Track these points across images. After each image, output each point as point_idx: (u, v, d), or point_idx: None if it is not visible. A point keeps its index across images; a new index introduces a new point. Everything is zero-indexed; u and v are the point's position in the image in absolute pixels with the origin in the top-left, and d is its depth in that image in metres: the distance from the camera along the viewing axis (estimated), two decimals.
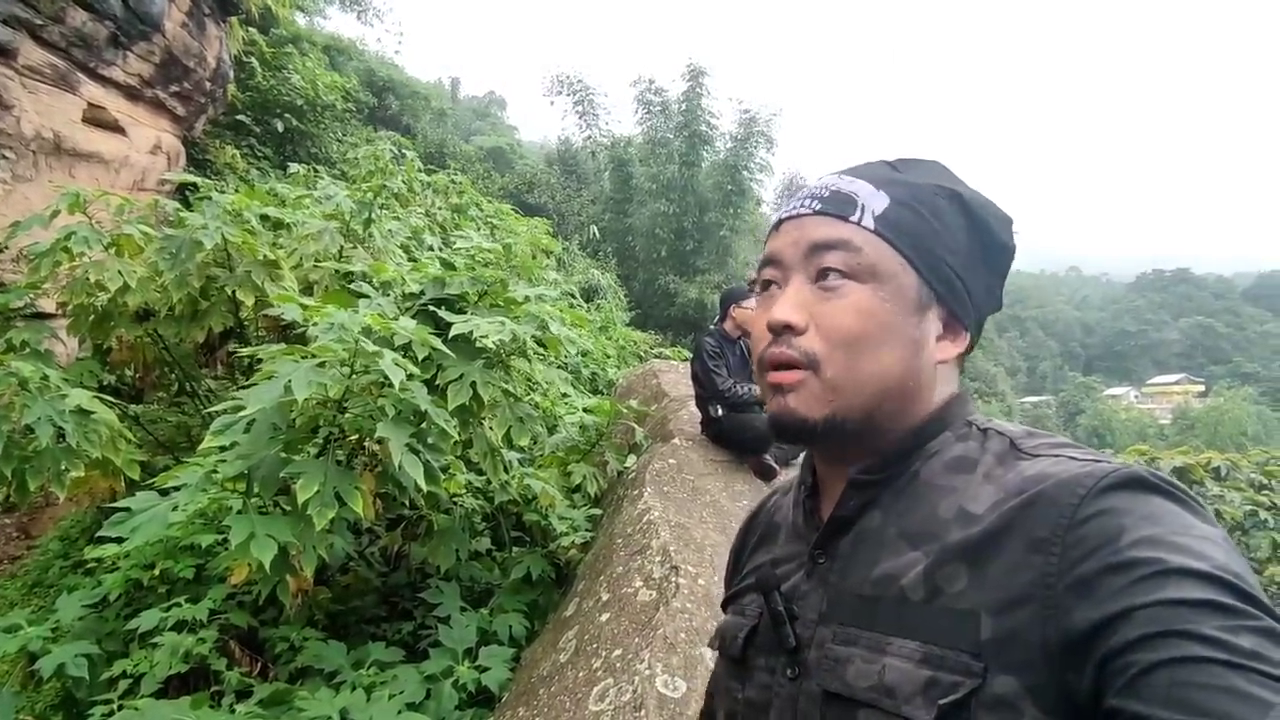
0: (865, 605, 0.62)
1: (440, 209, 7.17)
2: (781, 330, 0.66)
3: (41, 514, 5.26)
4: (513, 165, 20.62)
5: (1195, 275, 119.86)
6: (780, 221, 0.72)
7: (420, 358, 2.98)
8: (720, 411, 4.20)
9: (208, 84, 8.41)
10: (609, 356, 8.78)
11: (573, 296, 7.34)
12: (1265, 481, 7.32)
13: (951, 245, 0.68)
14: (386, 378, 2.57)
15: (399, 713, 2.58)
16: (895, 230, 0.66)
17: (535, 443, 4.00)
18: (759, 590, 0.71)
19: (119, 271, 3.78)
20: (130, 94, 7.20)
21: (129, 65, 6.99)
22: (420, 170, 7.16)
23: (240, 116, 10.16)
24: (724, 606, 0.85)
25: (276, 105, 10.48)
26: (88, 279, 3.76)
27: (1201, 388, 73.52)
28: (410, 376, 2.73)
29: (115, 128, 6.99)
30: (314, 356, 2.62)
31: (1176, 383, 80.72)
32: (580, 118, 20.54)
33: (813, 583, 0.68)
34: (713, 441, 4.32)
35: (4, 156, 5.78)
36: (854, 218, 0.67)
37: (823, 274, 0.66)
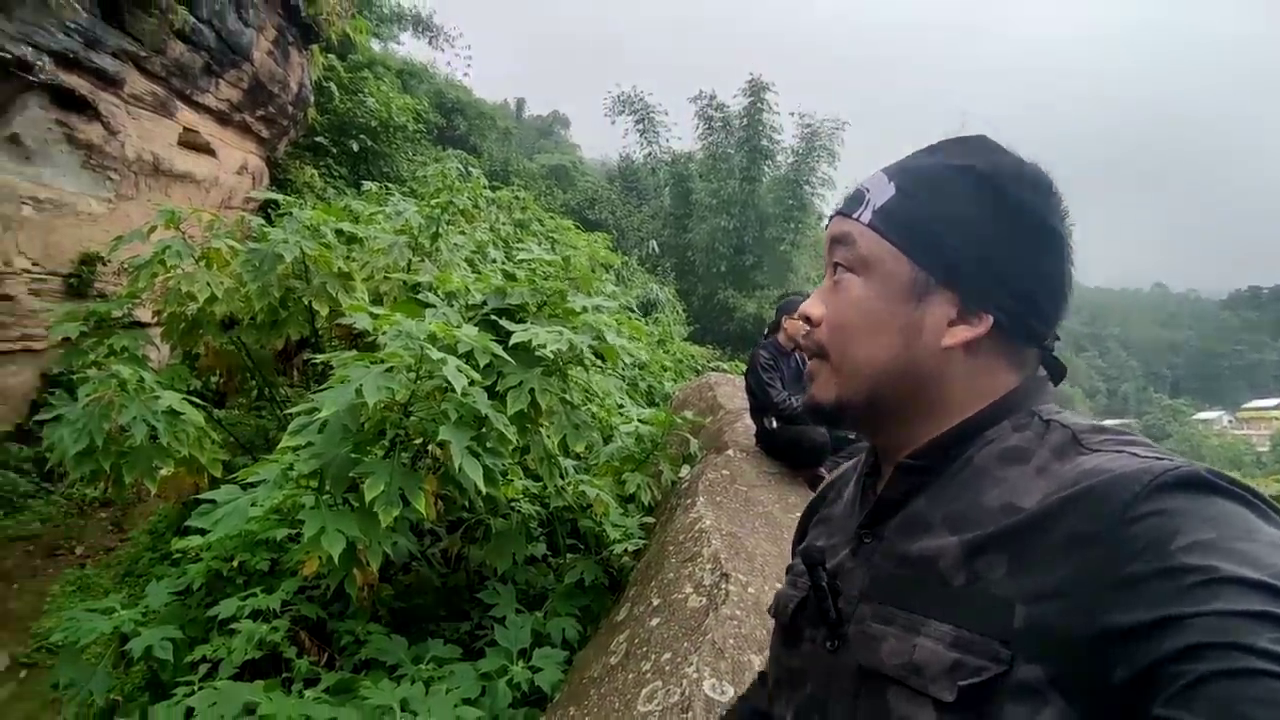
0: (904, 586, 0.63)
1: (504, 224, 7.40)
2: (806, 323, 0.73)
3: (133, 509, 5.63)
4: (574, 182, 21.01)
5: None
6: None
7: (481, 365, 3.10)
8: (774, 424, 4.19)
9: (290, 108, 8.93)
10: (666, 369, 8.83)
11: (630, 310, 7.42)
12: None
13: (960, 226, 0.66)
14: (449, 383, 2.69)
15: (455, 707, 2.66)
16: (889, 221, 0.68)
17: (590, 451, 4.07)
18: (806, 564, 0.73)
19: (207, 283, 4.06)
20: (221, 118, 7.71)
21: (220, 92, 7.50)
22: (485, 187, 7.42)
23: (319, 138, 10.73)
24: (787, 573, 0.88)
25: (352, 127, 11.01)
26: (180, 290, 4.05)
27: None
28: (471, 383, 2.85)
29: (207, 150, 7.49)
30: (383, 362, 2.77)
31: (1276, 407, 75.30)
32: (641, 135, 20.83)
33: (858, 560, 0.70)
34: (767, 453, 4.31)
35: (109, 178, 6.28)
36: (856, 214, 0.70)
37: (834, 269, 0.72)
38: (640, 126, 20.70)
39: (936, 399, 0.67)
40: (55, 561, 5.04)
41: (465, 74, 24.97)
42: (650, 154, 21.01)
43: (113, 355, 4.05)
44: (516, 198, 8.20)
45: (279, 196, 5.17)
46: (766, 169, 19.53)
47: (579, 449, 3.40)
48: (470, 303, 3.66)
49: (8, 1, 4.91)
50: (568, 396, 3.49)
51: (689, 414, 4.62)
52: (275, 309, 4.20)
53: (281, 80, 8.56)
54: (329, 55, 10.69)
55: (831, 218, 0.74)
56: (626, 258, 13.72)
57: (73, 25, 5.46)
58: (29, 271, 5.64)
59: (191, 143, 7.25)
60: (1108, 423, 0.66)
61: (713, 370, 9.02)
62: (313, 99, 9.67)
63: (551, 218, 10.69)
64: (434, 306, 3.37)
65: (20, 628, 4.44)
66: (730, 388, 6.25)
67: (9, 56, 4.94)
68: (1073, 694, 0.50)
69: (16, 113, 5.23)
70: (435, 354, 2.70)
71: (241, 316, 4.27)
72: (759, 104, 19.37)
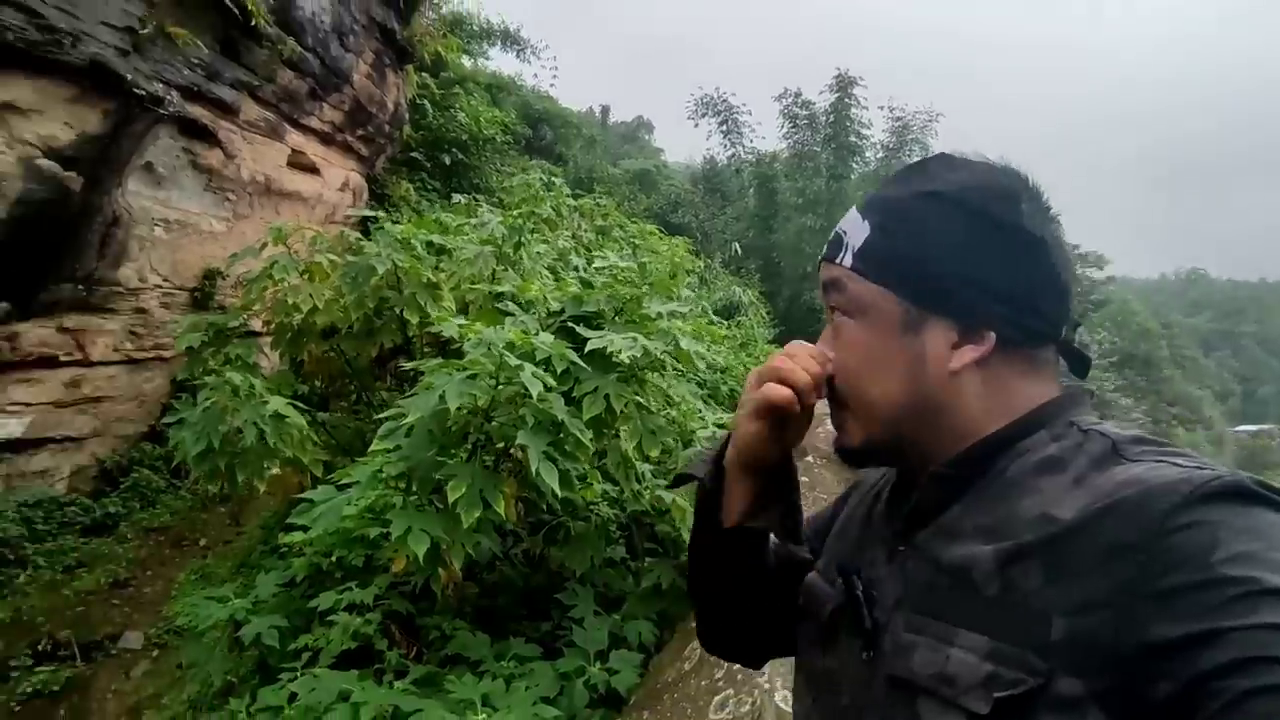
0: (937, 595, 0.63)
1: (585, 231, 7.54)
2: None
3: (249, 505, 6.08)
4: (658, 186, 21.11)
5: None
6: None
7: (559, 371, 3.19)
8: None
9: (387, 126, 9.43)
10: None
11: (711, 314, 7.40)
12: None
13: (939, 252, 0.67)
14: (526, 389, 2.77)
15: (533, 705, 2.74)
16: (868, 261, 0.69)
17: (669, 455, 4.09)
18: (841, 573, 0.73)
19: (310, 295, 4.35)
20: (324, 139, 8.23)
21: (324, 114, 8.01)
22: (568, 195, 7.59)
23: (414, 154, 11.26)
24: (811, 544, 0.86)
25: (444, 141, 11.49)
26: (286, 301, 4.36)
27: None
28: (548, 388, 2.93)
29: (312, 169, 8.01)
30: (465, 370, 2.89)
31: None
32: (724, 136, 20.65)
33: (891, 569, 0.69)
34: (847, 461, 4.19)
35: (228, 199, 6.83)
36: (838, 258, 0.72)
37: (831, 313, 0.74)
38: (724, 128, 20.55)
39: (958, 420, 0.67)
40: (182, 551, 5.53)
41: (552, 84, 25.62)
42: (734, 155, 20.81)
43: (228, 363, 4.40)
44: (598, 204, 8.34)
45: (374, 213, 5.47)
46: (855, 166, 19.00)
47: (654, 453, 3.42)
48: (550, 310, 3.76)
49: (142, 43, 5.43)
50: (643, 401, 3.53)
51: None
52: (370, 318, 4.45)
53: (379, 101, 9.06)
54: (423, 74, 11.20)
55: (819, 264, 0.75)
56: (709, 261, 13.67)
57: (196, 61, 5.97)
58: (160, 287, 6.21)
59: (299, 163, 7.77)
60: (1143, 433, 0.64)
61: None
62: (408, 117, 10.18)
63: (634, 222, 10.78)
64: (513, 315, 3.47)
65: (152, 611, 4.90)
66: None
67: (144, 93, 5.46)
68: (1113, 708, 0.49)
69: (150, 143, 5.78)
70: (513, 361, 2.79)
71: (340, 326, 4.54)
72: (846, 99, 18.85)
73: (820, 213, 18.09)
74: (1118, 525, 0.52)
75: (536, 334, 3.18)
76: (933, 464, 0.69)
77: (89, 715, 4.23)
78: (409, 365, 3.36)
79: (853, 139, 18.95)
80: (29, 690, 4.25)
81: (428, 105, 11.39)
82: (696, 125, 20.65)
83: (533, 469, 2.80)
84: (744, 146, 20.69)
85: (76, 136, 5.11)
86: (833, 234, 0.74)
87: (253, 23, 6.26)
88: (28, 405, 5.31)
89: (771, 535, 0.85)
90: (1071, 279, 0.69)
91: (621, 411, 3.28)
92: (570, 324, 3.55)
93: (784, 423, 0.74)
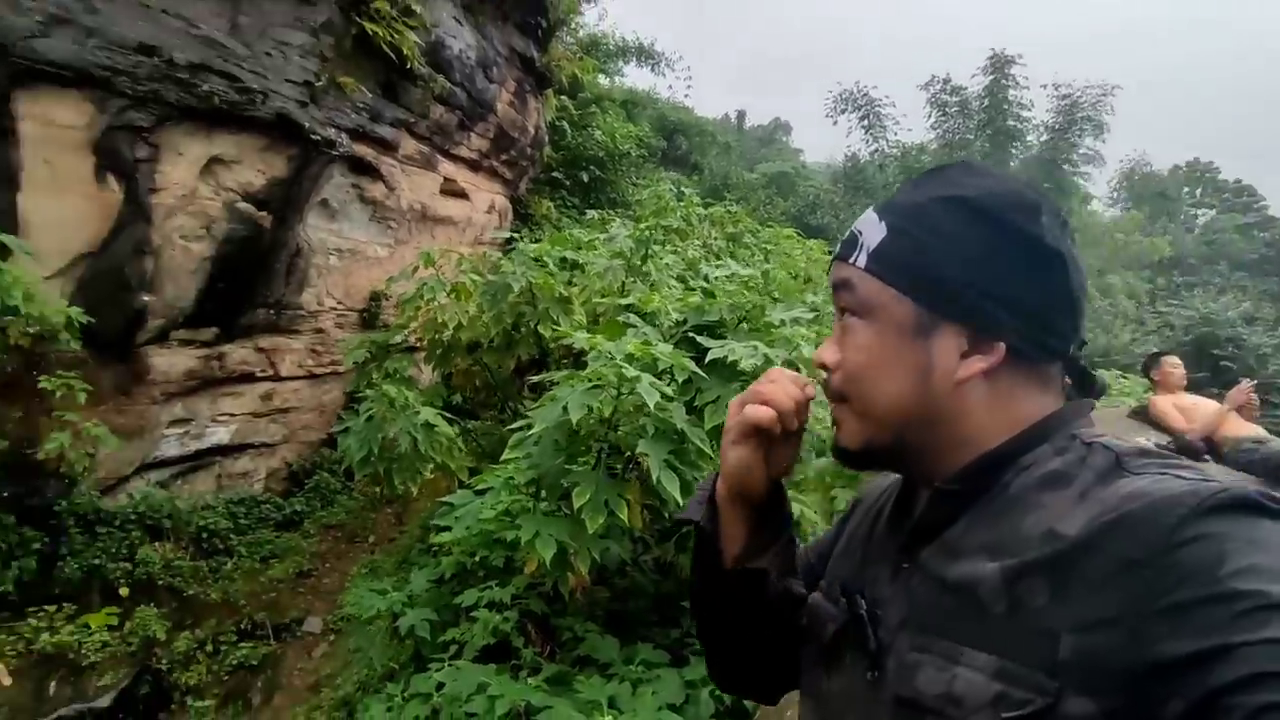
0: (942, 613, 0.61)
1: (716, 239, 7.55)
2: (822, 369, 0.73)
3: (411, 506, 6.65)
4: (796, 188, 20.68)
5: None
6: None
7: (680, 381, 3.22)
8: None
9: (528, 149, 9.98)
10: None
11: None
12: None
13: (955, 258, 0.65)
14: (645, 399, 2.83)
15: (658, 710, 2.78)
16: (883, 262, 0.68)
17: (800, 465, 4.00)
18: (844, 593, 0.72)
19: (455, 313, 4.71)
20: (472, 166, 8.85)
21: (471, 143, 8.62)
22: (699, 205, 7.64)
23: (554, 173, 11.83)
24: (815, 568, 0.85)
25: (582, 159, 11.97)
26: (435, 319, 4.75)
27: None
28: (668, 398, 2.97)
29: (462, 195, 8.65)
30: (587, 381, 3.00)
31: None
32: (866, 131, 19.88)
33: (895, 588, 0.68)
34: None
35: (390, 226, 7.54)
36: (852, 258, 0.70)
37: (841, 314, 0.72)
38: (865, 122, 19.78)
39: (962, 430, 0.66)
40: (354, 547, 6.16)
41: (686, 95, 25.84)
42: (877, 150, 19.97)
43: (388, 377, 4.85)
44: (729, 212, 8.32)
45: (513, 233, 5.80)
46: (1014, 151, 17.59)
47: None
48: (673, 320, 3.81)
49: (318, 94, 6.14)
50: None
51: None
52: (508, 333, 4.73)
53: (521, 126, 9.61)
54: (561, 97, 11.75)
55: (831, 263, 0.75)
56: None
57: (361, 105, 6.66)
58: (334, 309, 6.98)
59: (450, 190, 8.42)
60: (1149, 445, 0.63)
61: None
62: (547, 139, 10.71)
63: (769, 227, 10.63)
64: (635, 326, 3.55)
65: (330, 599, 5.49)
66: None
67: (320, 138, 6.17)
68: None
69: (325, 181, 6.51)
70: (630, 371, 2.86)
71: (483, 340, 4.87)
72: (1003, 80, 17.52)
73: None
74: (1124, 541, 0.51)
75: (657, 345, 3.23)
76: (933, 476, 0.68)
77: (279, 688, 4.82)
78: (536, 377, 3.53)
79: (1011, 123, 17.58)
80: (234, 663, 4.92)
81: (566, 126, 11.92)
82: (835, 123, 20.12)
83: (654, 476, 2.85)
84: (887, 140, 19.80)
85: (267, 181, 5.86)
86: (848, 234, 0.73)
87: (408, 65, 6.89)
88: (232, 415, 6.16)
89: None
90: (1084, 296, 0.67)
91: None
92: (693, 334, 3.57)
93: (770, 447, 0.74)
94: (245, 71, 5.40)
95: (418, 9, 6.95)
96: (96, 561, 4.75)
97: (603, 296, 4.90)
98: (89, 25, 4.69)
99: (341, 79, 6.35)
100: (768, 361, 3.23)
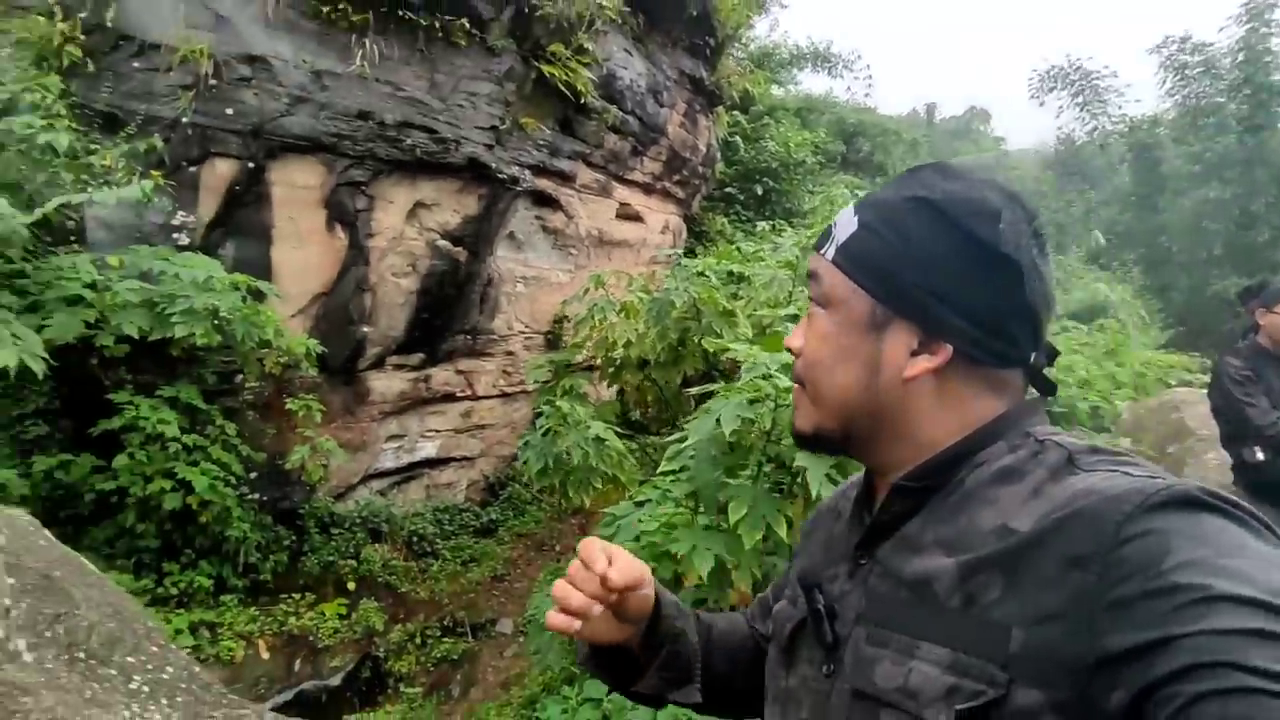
0: (899, 608, 0.63)
1: None
2: (790, 353, 0.77)
3: (593, 518, 6.94)
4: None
5: None
6: None
7: None
8: (1259, 455, 3.10)
9: (700, 168, 10.11)
10: (1120, 386, 7.26)
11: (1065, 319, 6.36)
12: None
13: (913, 258, 0.67)
14: None
15: None
16: (848, 257, 0.70)
17: None
18: (803, 587, 0.74)
19: (625, 331, 4.86)
20: (645, 189, 9.15)
21: (644, 167, 8.91)
22: None
23: (728, 189, 11.87)
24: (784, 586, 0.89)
25: (756, 172, 11.90)
26: (606, 338, 4.94)
27: None
28: None
29: (636, 218, 8.96)
30: (741, 393, 2.94)
31: None
32: (1081, 109, 17.67)
33: (854, 583, 0.70)
34: (1251, 494, 3.20)
35: (570, 253, 8.00)
36: (824, 250, 0.73)
37: (811, 302, 0.76)
38: (1079, 99, 17.60)
39: (907, 426, 0.68)
40: (542, 554, 6.55)
41: (867, 95, 24.76)
42: (1095, 129, 17.65)
43: (565, 394, 5.12)
44: None
45: (676, 251, 5.89)
46: (1279, 111, 14.63)
47: None
48: None
49: (502, 136, 6.72)
50: None
51: (1125, 442, 3.73)
52: (674, 348, 4.79)
53: (692, 145, 9.77)
54: (733, 112, 11.79)
55: (808, 254, 0.78)
56: (1062, 258, 11.76)
57: (541, 142, 7.18)
58: (522, 332, 7.53)
59: (625, 214, 8.77)
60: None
61: (1183, 385, 7.08)
62: (719, 156, 10.78)
63: None
64: None
65: (520, 602, 5.88)
66: (1204, 407, 4.83)
67: (506, 177, 6.74)
68: (1071, 718, 0.50)
69: (511, 215, 7.09)
70: (784, 382, 2.76)
71: (651, 357, 4.98)
72: (1261, 29, 14.70)
73: (1230, 178, 14.31)
74: (1074, 536, 0.53)
75: None
76: (882, 468, 0.71)
77: (475, 683, 5.23)
78: (693, 390, 3.53)
79: (1275, 78, 14.65)
80: (438, 656, 5.43)
81: (739, 140, 11.93)
82: (1042, 103, 18.06)
83: (813, 491, 2.72)
84: (1109, 116, 17.43)
85: (462, 219, 6.50)
86: (826, 226, 0.76)
87: (582, 100, 7.31)
88: (437, 431, 6.85)
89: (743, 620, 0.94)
90: (1044, 305, 0.68)
91: None
92: None
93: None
94: (440, 123, 6.05)
95: (590, 46, 7.36)
96: (330, 558, 5.51)
97: (770, 308, 4.80)
98: (321, 101, 5.54)
99: (523, 120, 6.89)
100: None
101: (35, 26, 4.96)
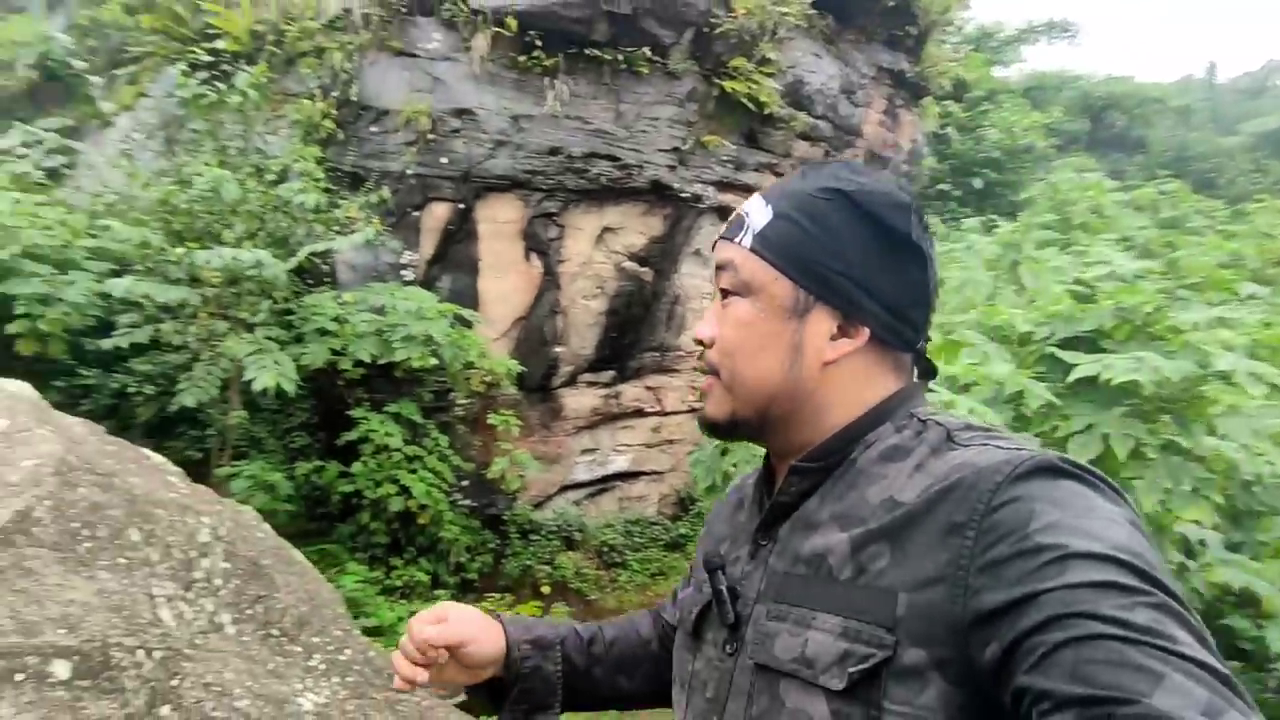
0: (797, 583, 0.65)
1: (1143, 228, 6.00)
2: (699, 344, 0.76)
3: None
4: None
5: None
6: None
7: (1034, 407, 2.66)
8: None
9: (903, 166, 9.43)
10: None
11: None
12: None
13: (833, 246, 0.69)
14: None
15: None
16: (766, 244, 0.71)
17: (1246, 521, 2.88)
18: (707, 570, 0.75)
19: None
20: None
21: None
22: (1108, 191, 6.18)
23: (941, 185, 10.92)
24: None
25: (973, 165, 10.83)
26: None
27: None
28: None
29: None
30: None
31: None
32: None
33: (755, 564, 0.71)
34: None
35: None
36: (737, 239, 0.73)
37: (722, 294, 0.75)
38: None
39: (823, 407, 0.71)
40: None
41: (1122, 62, 21.40)
42: None
43: None
44: (1162, 193, 6.54)
45: None
46: None
47: (1194, 516, 2.49)
48: (1028, 332, 3.16)
49: (685, 157, 6.85)
50: (1184, 442, 2.63)
51: None
52: None
53: (893, 144, 9.17)
54: (943, 103, 10.85)
55: (715, 243, 0.79)
56: None
57: (725, 158, 7.19)
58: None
59: None
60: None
61: None
62: (927, 150, 9.97)
63: (1259, 200, 8.05)
64: (972, 345, 3.04)
65: None
66: None
67: (688, 195, 6.85)
68: (951, 675, 0.53)
69: (696, 232, 7.18)
70: (945, 396, 2.46)
71: None
72: None
73: None
74: (951, 505, 0.56)
75: (994, 365, 2.72)
76: (791, 451, 0.72)
77: None
78: None
79: None
80: None
81: (951, 132, 10.96)
82: None
83: None
84: None
85: (647, 240, 6.72)
86: (733, 215, 0.77)
87: (767, 111, 7.20)
88: (628, 446, 7.10)
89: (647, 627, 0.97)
90: (936, 295, 0.73)
91: (1125, 456, 2.51)
92: (1052, 349, 2.92)
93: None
94: (624, 150, 6.33)
95: (774, 55, 7.25)
96: (528, 563, 5.93)
97: (964, 312, 4.32)
98: (518, 142, 6.08)
99: (705, 138, 6.96)
100: (1162, 378, 2.45)
101: (304, 109, 6.07)
